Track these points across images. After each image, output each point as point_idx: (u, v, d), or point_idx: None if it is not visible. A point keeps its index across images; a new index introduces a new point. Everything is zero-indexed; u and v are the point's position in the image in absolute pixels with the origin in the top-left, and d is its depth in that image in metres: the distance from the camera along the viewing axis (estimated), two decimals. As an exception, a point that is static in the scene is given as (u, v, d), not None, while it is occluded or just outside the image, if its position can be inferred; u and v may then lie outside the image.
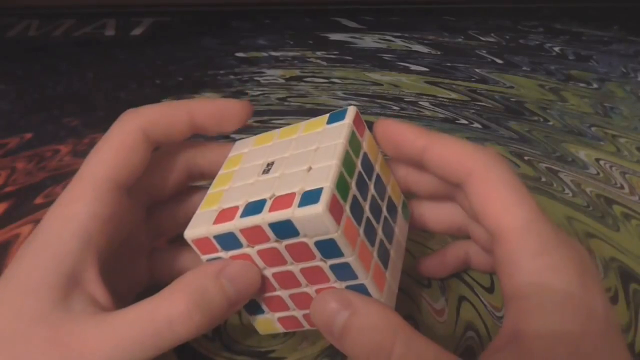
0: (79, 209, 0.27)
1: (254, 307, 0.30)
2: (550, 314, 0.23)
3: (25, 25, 0.80)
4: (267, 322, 0.30)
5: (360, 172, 0.27)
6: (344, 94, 0.59)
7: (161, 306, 0.25)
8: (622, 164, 0.47)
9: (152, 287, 0.34)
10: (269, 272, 0.27)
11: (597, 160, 0.48)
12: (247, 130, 0.52)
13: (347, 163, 0.26)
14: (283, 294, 0.28)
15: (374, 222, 0.27)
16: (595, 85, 0.60)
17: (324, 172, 0.25)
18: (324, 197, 0.24)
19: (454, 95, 0.59)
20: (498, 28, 0.75)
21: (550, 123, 0.53)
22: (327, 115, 0.30)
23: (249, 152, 0.31)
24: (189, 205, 0.34)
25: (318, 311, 0.26)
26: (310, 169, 0.26)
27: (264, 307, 0.29)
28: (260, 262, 0.27)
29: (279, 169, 0.27)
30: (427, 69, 0.64)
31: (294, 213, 0.24)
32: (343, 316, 0.25)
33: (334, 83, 0.61)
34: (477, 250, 0.34)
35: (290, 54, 0.69)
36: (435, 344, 0.24)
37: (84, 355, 0.24)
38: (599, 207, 0.42)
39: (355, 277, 0.25)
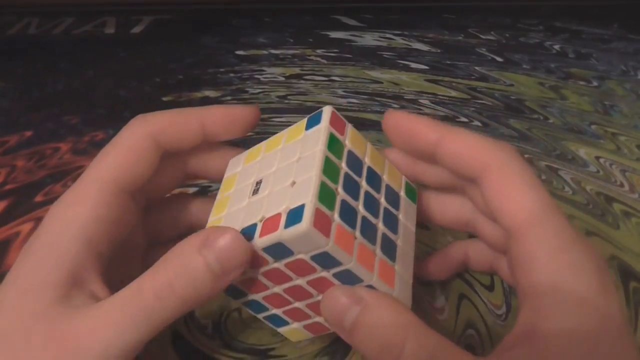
0: (82, 210, 0.27)
1: (277, 321, 0.30)
2: (567, 313, 0.23)
3: (26, 23, 0.80)
4: (295, 331, 0.30)
5: (347, 173, 0.27)
6: (344, 92, 0.59)
7: (146, 280, 0.25)
8: (622, 162, 0.47)
9: None
10: (279, 289, 0.27)
11: (597, 158, 0.48)
12: (247, 128, 0.52)
13: (329, 170, 0.26)
14: (299, 305, 0.28)
15: (371, 218, 0.27)
16: (595, 83, 0.60)
17: (305, 186, 0.25)
18: (307, 214, 0.23)
19: (454, 93, 0.58)
20: (498, 26, 0.75)
21: (550, 121, 0.53)
22: (305, 120, 0.29)
23: (241, 170, 0.30)
24: (183, 206, 0.34)
25: (328, 307, 0.26)
26: (293, 183, 0.26)
27: (287, 319, 0.29)
28: (268, 283, 0.27)
29: (267, 187, 0.27)
30: (427, 67, 0.64)
31: (282, 235, 0.24)
32: (354, 312, 0.24)
33: (334, 81, 0.61)
34: (477, 250, 0.34)
35: (290, 52, 0.69)
36: (448, 340, 0.24)
37: (81, 348, 0.24)
38: (599, 205, 0.42)
39: (360, 280, 0.25)
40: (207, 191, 0.44)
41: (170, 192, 0.34)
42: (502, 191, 0.26)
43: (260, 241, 0.25)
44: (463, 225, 0.32)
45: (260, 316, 0.30)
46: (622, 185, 0.44)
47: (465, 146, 0.27)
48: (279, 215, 0.25)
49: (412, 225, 0.30)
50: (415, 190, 0.31)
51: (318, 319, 0.29)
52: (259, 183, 0.28)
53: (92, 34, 0.77)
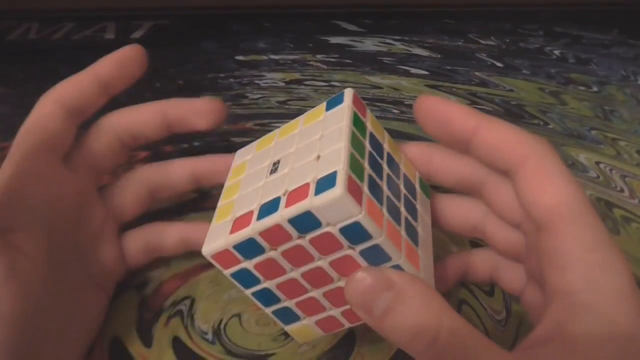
0: (6, 168, 0.29)
1: (288, 316, 0.29)
2: (600, 314, 0.23)
3: (25, 29, 0.80)
4: (305, 328, 0.29)
5: (370, 152, 0.26)
6: (344, 97, 0.58)
7: None
8: (622, 167, 0.47)
9: (129, 275, 0.35)
10: (297, 273, 0.26)
11: (597, 163, 0.48)
12: (248, 133, 0.52)
13: (356, 144, 0.25)
14: (316, 294, 0.27)
15: (394, 200, 0.26)
16: (595, 89, 0.60)
17: (334, 156, 0.24)
18: (340, 179, 0.23)
19: (454, 99, 0.58)
20: (498, 31, 0.75)
21: (550, 126, 0.53)
22: (324, 103, 0.29)
23: (252, 157, 0.30)
24: (139, 181, 0.35)
25: (355, 291, 0.25)
26: (318, 157, 0.25)
27: (299, 312, 0.28)
28: (286, 264, 0.26)
29: (287, 165, 0.26)
30: (427, 72, 0.64)
31: (312, 202, 0.23)
32: (386, 298, 0.24)
33: (334, 86, 0.61)
34: (477, 261, 0.33)
35: (290, 57, 0.69)
36: (478, 330, 0.24)
37: None
38: (599, 211, 0.42)
39: (388, 258, 0.24)
40: (206, 196, 0.44)
41: (117, 165, 0.35)
42: (538, 184, 0.26)
43: (287, 212, 0.24)
44: (470, 230, 0.32)
45: (269, 310, 0.29)
46: (622, 190, 0.44)
47: (504, 136, 0.27)
48: (306, 185, 0.24)
49: (428, 218, 0.29)
50: (428, 186, 0.31)
51: (333, 312, 0.28)
52: (276, 163, 0.27)
53: (92, 39, 0.77)
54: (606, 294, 0.23)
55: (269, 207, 0.25)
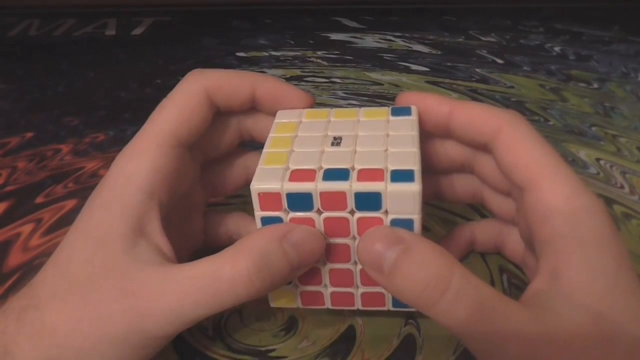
0: (142, 163, 0.28)
1: None
2: (588, 250, 0.24)
3: (26, 25, 0.80)
4: (287, 294, 0.30)
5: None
6: (345, 93, 0.59)
7: (224, 267, 0.25)
8: (623, 164, 0.47)
9: (206, 248, 0.35)
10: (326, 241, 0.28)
11: (598, 160, 0.48)
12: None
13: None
14: (324, 267, 0.28)
15: None
16: (595, 85, 0.60)
17: (408, 157, 0.26)
18: (418, 178, 0.25)
19: (454, 95, 0.58)
20: (498, 28, 0.75)
21: (551, 123, 0.53)
22: (387, 108, 0.31)
23: (304, 123, 0.31)
24: (240, 165, 0.35)
25: (366, 248, 0.26)
26: (387, 150, 0.27)
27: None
28: (321, 230, 0.27)
29: (350, 144, 0.28)
30: (427, 69, 0.64)
31: (387, 187, 0.25)
32: (394, 252, 0.25)
33: (334, 83, 0.61)
34: (482, 230, 0.36)
35: (291, 53, 0.69)
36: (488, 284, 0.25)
37: (150, 307, 0.25)
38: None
39: None
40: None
41: (226, 151, 0.35)
42: (515, 148, 0.28)
43: (358, 185, 0.25)
44: (471, 197, 0.34)
45: None
46: (622, 187, 0.44)
47: (477, 113, 0.29)
48: (380, 170, 0.26)
49: None
50: None
51: (326, 289, 0.29)
52: (337, 138, 0.29)
53: (93, 36, 0.77)
54: (590, 234, 0.25)
55: (337, 174, 0.26)
